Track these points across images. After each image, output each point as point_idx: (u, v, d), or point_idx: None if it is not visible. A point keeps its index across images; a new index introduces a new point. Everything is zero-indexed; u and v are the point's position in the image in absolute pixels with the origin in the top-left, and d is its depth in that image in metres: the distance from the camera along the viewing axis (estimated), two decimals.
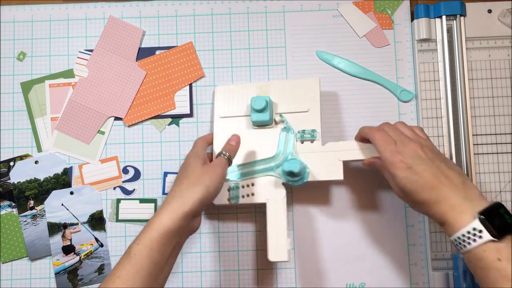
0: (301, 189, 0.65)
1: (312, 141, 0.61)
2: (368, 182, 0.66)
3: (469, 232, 0.47)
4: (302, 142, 0.61)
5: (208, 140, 0.63)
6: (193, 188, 0.53)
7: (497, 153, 0.66)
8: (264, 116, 0.61)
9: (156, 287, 0.51)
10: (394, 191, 0.55)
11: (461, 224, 0.47)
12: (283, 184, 0.60)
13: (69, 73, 0.67)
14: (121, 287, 0.48)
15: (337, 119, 0.67)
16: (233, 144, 0.60)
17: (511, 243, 0.46)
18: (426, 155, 0.52)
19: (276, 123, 0.63)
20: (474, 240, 0.47)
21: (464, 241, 0.47)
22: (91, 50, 0.68)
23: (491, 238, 0.46)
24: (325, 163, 0.60)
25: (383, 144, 0.54)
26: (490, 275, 0.46)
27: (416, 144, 0.53)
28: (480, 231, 0.46)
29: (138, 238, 0.52)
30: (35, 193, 0.65)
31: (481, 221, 0.46)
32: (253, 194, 0.61)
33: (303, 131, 0.61)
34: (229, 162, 0.58)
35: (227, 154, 0.58)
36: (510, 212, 0.48)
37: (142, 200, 0.66)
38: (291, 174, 0.58)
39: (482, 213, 0.47)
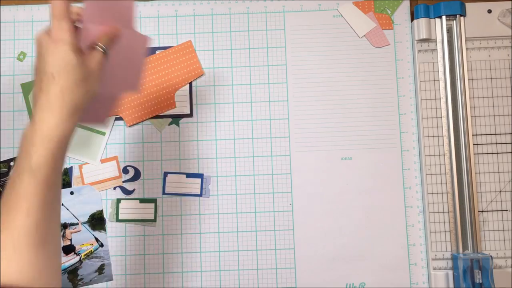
0: (301, 190, 0.65)
1: None
2: (368, 182, 0.66)
3: None
4: None
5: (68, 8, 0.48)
6: (80, 89, 0.46)
7: (497, 153, 0.66)
8: None
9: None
10: None
11: None
12: None
13: None
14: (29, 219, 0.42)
15: (336, 119, 0.67)
16: (112, 31, 0.50)
17: None
18: None
19: None
20: None
21: None
22: None
23: None
24: None
25: None
26: None
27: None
28: None
29: (31, 151, 0.44)
30: None
31: None
32: None
33: None
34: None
35: (104, 47, 0.49)
36: None
37: (142, 200, 0.66)
38: None
39: None
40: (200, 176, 0.66)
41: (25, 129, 0.46)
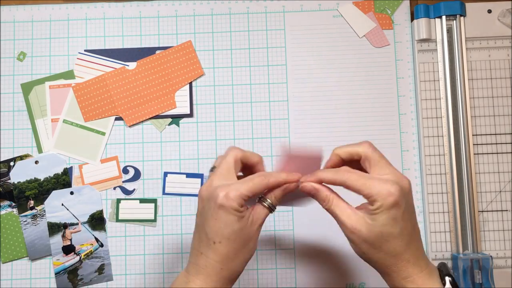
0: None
1: None
2: None
3: None
4: None
5: (243, 159, 0.47)
6: (239, 257, 0.45)
7: (497, 153, 0.66)
8: None
9: None
10: (361, 226, 0.44)
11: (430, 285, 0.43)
12: None
13: (69, 74, 0.67)
14: None
15: (336, 119, 0.67)
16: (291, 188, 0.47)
17: None
18: (412, 200, 0.45)
19: None
20: None
21: None
22: (91, 51, 0.68)
23: None
24: None
25: (367, 178, 0.45)
26: None
27: (408, 180, 0.45)
28: None
29: None
30: (35, 193, 0.65)
31: (452, 285, 0.44)
32: None
33: None
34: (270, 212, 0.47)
35: (270, 202, 0.47)
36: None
37: (142, 200, 0.66)
38: None
39: (448, 275, 0.44)
40: (200, 176, 0.66)
41: (179, 278, 0.46)
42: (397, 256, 0.43)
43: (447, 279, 0.43)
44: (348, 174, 0.45)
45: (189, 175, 0.66)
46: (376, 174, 0.45)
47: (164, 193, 0.66)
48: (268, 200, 0.47)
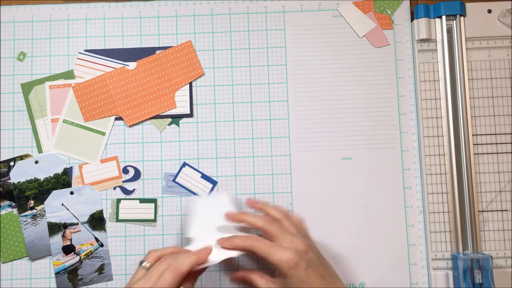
0: (301, 190, 0.65)
1: None
2: (368, 182, 0.66)
3: None
4: None
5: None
6: None
7: (497, 153, 0.66)
8: None
9: None
10: None
11: None
12: None
13: (69, 74, 0.67)
14: None
15: (336, 119, 0.67)
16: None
17: None
18: (315, 256, 0.54)
19: None
20: None
21: None
22: (91, 51, 0.68)
23: None
24: None
25: (268, 246, 0.53)
26: None
27: (305, 244, 0.54)
28: None
29: None
30: (35, 193, 0.65)
31: None
32: None
33: None
34: None
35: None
36: None
37: (142, 200, 0.66)
38: None
39: None
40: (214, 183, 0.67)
41: None
42: None
43: None
44: (255, 242, 0.54)
45: (203, 176, 0.66)
46: (280, 242, 0.54)
47: (164, 193, 0.66)
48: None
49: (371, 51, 0.68)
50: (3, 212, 0.65)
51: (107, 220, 0.66)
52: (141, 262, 0.53)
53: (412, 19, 0.68)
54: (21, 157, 0.66)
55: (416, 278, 0.65)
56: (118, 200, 0.66)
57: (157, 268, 0.51)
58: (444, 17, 0.66)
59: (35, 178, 0.66)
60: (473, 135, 0.65)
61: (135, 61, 0.68)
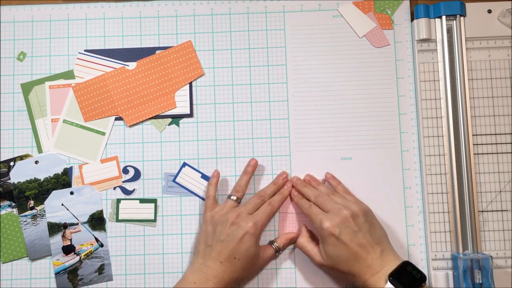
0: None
1: None
2: (368, 182, 0.66)
3: None
4: None
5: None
6: (244, 273, 0.60)
7: (497, 153, 0.66)
8: None
9: None
10: (320, 258, 0.60)
11: None
12: None
13: (69, 74, 0.67)
14: None
15: (336, 119, 0.67)
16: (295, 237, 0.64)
17: None
18: (355, 224, 0.57)
19: None
20: None
21: None
22: (91, 51, 0.68)
23: None
24: None
25: (315, 214, 0.59)
26: None
27: (347, 213, 0.58)
28: None
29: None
30: (35, 193, 0.65)
31: (392, 282, 0.54)
32: None
33: None
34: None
35: (278, 245, 0.63)
36: (418, 267, 0.56)
37: (142, 200, 0.66)
38: None
39: (391, 275, 0.55)
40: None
41: (194, 274, 0.58)
42: (350, 271, 0.57)
43: (389, 279, 0.55)
44: (309, 209, 0.61)
45: (203, 176, 0.66)
46: (327, 211, 0.59)
47: (164, 193, 0.66)
48: (276, 244, 0.63)
49: (371, 51, 0.68)
50: (3, 212, 0.65)
51: (107, 220, 0.66)
52: (229, 196, 0.62)
53: (412, 19, 0.68)
54: (21, 157, 0.66)
55: None
56: (118, 200, 0.66)
57: (253, 200, 0.62)
58: (444, 17, 0.66)
59: (35, 178, 0.66)
60: (473, 135, 0.65)
61: (135, 61, 0.68)
